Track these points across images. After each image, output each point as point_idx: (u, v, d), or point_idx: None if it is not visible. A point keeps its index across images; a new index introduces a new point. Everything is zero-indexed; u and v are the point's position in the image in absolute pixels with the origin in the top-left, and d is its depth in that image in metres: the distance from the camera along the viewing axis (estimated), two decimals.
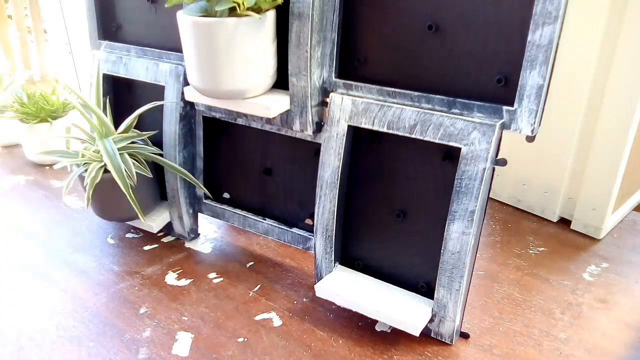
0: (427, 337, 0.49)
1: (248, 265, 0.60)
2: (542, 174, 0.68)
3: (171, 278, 0.57)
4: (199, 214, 0.64)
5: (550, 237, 0.65)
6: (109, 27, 0.64)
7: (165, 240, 0.65)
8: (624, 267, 0.60)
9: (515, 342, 0.48)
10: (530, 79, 0.39)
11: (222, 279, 0.57)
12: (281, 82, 0.50)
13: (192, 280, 0.57)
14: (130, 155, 0.56)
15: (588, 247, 0.63)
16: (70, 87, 0.56)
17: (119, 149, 0.55)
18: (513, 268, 0.59)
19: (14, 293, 0.55)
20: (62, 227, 0.67)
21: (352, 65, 0.49)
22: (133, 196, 0.55)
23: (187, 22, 0.45)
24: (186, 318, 0.51)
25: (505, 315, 0.52)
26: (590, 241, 0.65)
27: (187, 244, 0.64)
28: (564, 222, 0.68)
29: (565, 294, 0.55)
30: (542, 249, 0.63)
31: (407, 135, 0.44)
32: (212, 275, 0.58)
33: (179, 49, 0.52)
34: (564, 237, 0.66)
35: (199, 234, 0.65)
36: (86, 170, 0.56)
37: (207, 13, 0.45)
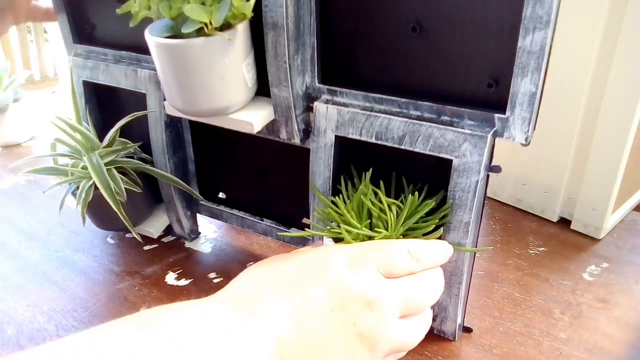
0: (427, 336, 0.49)
1: (248, 265, 0.59)
2: (542, 174, 0.68)
3: (171, 278, 0.57)
4: (198, 214, 0.64)
5: (550, 237, 0.65)
6: (82, 29, 0.60)
7: (165, 240, 0.65)
8: (624, 267, 0.59)
9: (515, 342, 0.48)
10: (522, 86, 0.37)
11: (222, 278, 0.57)
12: (264, 89, 0.47)
13: (192, 280, 0.57)
14: (118, 168, 0.55)
15: (588, 247, 0.63)
16: (62, 118, 0.55)
17: (105, 164, 0.54)
18: (513, 268, 0.59)
19: (14, 293, 0.55)
20: (62, 227, 0.67)
21: (335, 69, 0.46)
22: (124, 212, 0.54)
23: (154, 45, 0.42)
24: None
25: (505, 315, 0.52)
26: (590, 241, 0.65)
27: (187, 244, 0.64)
28: (564, 222, 0.68)
29: (565, 294, 0.55)
30: (542, 249, 0.63)
31: (397, 146, 0.43)
32: (212, 275, 0.58)
33: None
34: (564, 237, 0.66)
35: (199, 233, 0.65)
36: (77, 188, 0.55)
37: (174, 32, 0.42)
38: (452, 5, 0.39)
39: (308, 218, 0.54)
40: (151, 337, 0.26)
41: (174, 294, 0.54)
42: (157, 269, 0.59)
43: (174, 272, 0.58)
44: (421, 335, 0.36)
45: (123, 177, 0.55)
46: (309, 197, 0.50)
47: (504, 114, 0.39)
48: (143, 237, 0.65)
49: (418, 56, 0.42)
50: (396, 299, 0.33)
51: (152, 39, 0.42)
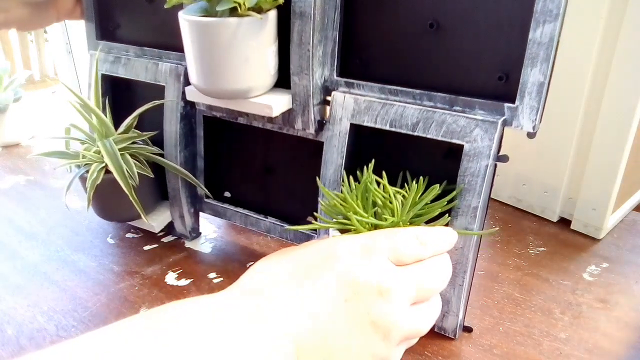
0: (428, 336, 0.49)
1: (248, 265, 0.59)
2: (542, 174, 0.68)
3: (171, 278, 0.57)
4: (200, 212, 0.64)
5: (550, 237, 0.65)
6: (106, 27, 0.63)
7: (165, 240, 0.65)
8: (624, 267, 0.60)
9: (515, 342, 0.48)
10: (531, 76, 0.40)
11: (222, 278, 0.57)
12: (282, 81, 0.49)
13: (192, 280, 0.57)
14: (131, 155, 0.56)
15: (588, 247, 0.63)
16: (69, 87, 0.56)
17: (119, 150, 0.55)
18: (513, 268, 0.59)
19: (14, 293, 0.55)
20: (62, 227, 0.67)
21: (353, 63, 0.49)
22: (135, 196, 0.54)
23: (188, 23, 0.45)
24: None
25: (505, 315, 0.52)
26: (590, 241, 0.65)
27: (187, 244, 0.64)
28: (564, 222, 0.68)
29: (565, 294, 0.55)
30: (542, 249, 0.63)
31: (410, 133, 0.45)
32: (212, 275, 0.58)
33: (178, 48, 0.52)
34: (564, 237, 0.66)
35: (200, 233, 0.65)
36: (87, 172, 0.55)
37: (208, 13, 0.44)
38: (468, 3, 0.42)
39: (313, 216, 0.54)
40: (161, 336, 0.26)
41: (174, 294, 0.55)
42: (157, 269, 0.59)
43: (174, 272, 0.58)
44: (432, 322, 0.36)
45: (136, 162, 0.56)
46: (319, 193, 0.51)
47: (514, 103, 0.41)
48: (143, 237, 0.65)
49: (434, 51, 0.44)
50: (408, 286, 0.33)
51: (187, 17, 0.44)
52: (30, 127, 0.96)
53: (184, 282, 0.57)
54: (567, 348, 0.47)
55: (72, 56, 1.07)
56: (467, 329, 0.49)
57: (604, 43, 0.58)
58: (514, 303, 0.53)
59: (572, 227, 0.67)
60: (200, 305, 0.30)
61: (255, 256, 0.62)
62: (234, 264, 0.60)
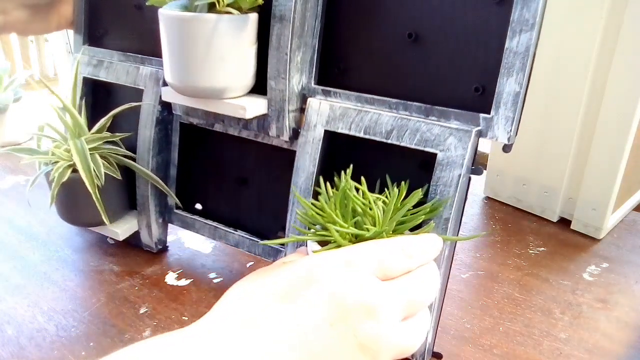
0: None
1: (248, 265, 0.60)
2: (542, 174, 0.68)
3: (171, 278, 0.57)
4: (169, 224, 0.62)
5: (550, 237, 0.65)
6: (94, 33, 0.62)
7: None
8: (624, 267, 0.60)
9: (515, 342, 0.48)
10: (507, 86, 0.39)
11: (222, 279, 0.57)
12: (259, 88, 0.49)
13: (192, 280, 0.57)
14: (101, 156, 0.55)
15: (588, 247, 0.63)
16: (48, 85, 0.56)
17: (90, 149, 0.54)
18: (513, 268, 0.59)
19: (14, 293, 0.55)
20: (62, 226, 0.67)
21: (331, 72, 0.48)
22: (99, 197, 0.53)
23: (166, 17, 0.44)
24: (186, 318, 0.51)
25: (505, 315, 0.52)
26: (590, 241, 0.65)
27: (187, 244, 0.64)
28: (564, 222, 0.68)
29: (565, 294, 0.55)
30: (542, 249, 0.63)
31: (384, 140, 0.43)
32: (212, 275, 0.58)
33: (161, 55, 0.51)
34: (564, 237, 0.66)
35: (167, 247, 0.63)
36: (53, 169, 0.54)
37: (188, 10, 0.44)
38: (447, 14, 0.41)
39: (283, 231, 0.52)
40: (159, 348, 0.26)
41: (174, 294, 0.55)
42: (157, 269, 0.59)
43: (174, 272, 0.58)
44: (423, 337, 0.34)
45: (104, 162, 0.55)
46: (289, 204, 0.49)
47: (489, 114, 0.40)
48: None
49: (412, 62, 0.44)
50: (397, 302, 0.32)
51: (166, 12, 0.44)
52: (30, 127, 0.96)
53: (184, 282, 0.57)
54: (567, 348, 0.47)
55: (72, 56, 1.06)
56: (437, 355, 0.46)
57: (604, 43, 0.58)
58: (514, 303, 0.53)
59: (572, 227, 0.67)
60: (191, 327, 0.30)
61: (255, 257, 0.61)
62: (234, 264, 0.60)
